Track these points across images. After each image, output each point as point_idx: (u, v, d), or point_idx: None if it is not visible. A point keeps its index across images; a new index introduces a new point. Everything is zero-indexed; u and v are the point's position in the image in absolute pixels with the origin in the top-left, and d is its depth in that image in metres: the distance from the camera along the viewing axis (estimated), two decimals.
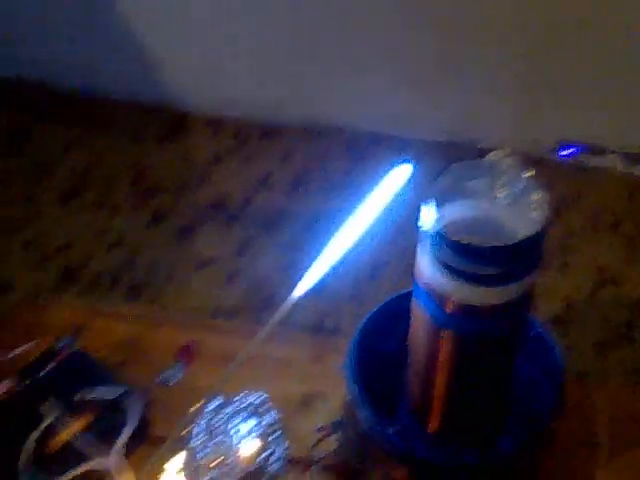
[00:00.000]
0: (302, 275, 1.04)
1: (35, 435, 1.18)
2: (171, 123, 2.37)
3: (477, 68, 2.24)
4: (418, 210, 1.02)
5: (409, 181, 1.03)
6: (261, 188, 2.23)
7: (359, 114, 2.34)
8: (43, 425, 1.18)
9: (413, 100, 2.29)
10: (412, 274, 1.07)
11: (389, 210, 1.04)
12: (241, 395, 1.20)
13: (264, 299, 1.99)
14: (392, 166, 1.03)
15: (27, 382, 1.24)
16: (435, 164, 2.20)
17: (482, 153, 1.03)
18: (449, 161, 1.03)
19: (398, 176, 1.04)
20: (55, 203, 2.21)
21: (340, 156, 2.30)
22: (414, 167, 1.02)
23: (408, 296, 1.16)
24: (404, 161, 1.02)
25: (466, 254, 0.95)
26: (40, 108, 2.42)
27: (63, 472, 1.16)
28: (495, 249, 0.95)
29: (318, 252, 1.05)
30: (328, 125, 2.35)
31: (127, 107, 2.41)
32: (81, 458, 1.18)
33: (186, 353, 1.35)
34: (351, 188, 2.20)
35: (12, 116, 2.39)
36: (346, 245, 1.05)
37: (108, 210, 2.19)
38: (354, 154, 2.30)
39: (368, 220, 1.05)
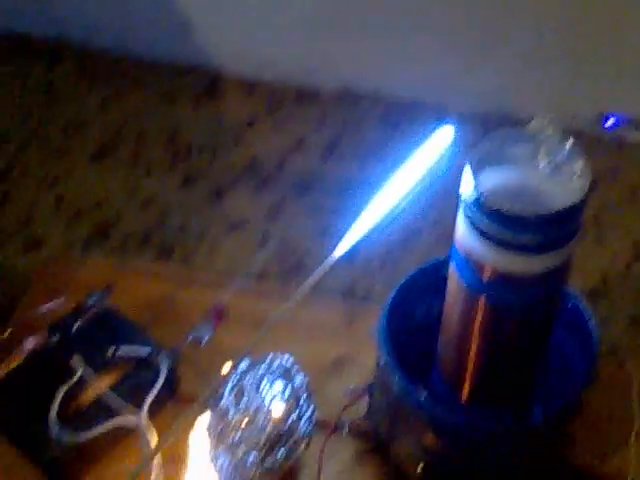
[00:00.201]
0: (334, 239, 1.03)
1: (64, 390, 1.18)
2: (205, 85, 2.36)
3: (518, 37, 2.21)
4: (454, 178, 1.01)
5: (450, 146, 1.02)
6: (295, 152, 2.22)
7: (396, 80, 2.32)
8: (72, 380, 1.19)
9: (452, 68, 2.27)
10: (448, 242, 1.06)
11: (425, 178, 1.03)
12: (271, 357, 1.19)
13: (295, 262, 1.99)
14: (434, 129, 1.01)
15: (57, 337, 1.24)
16: (472, 134, 2.20)
17: (521, 124, 1.02)
18: (486, 131, 1.02)
19: (440, 139, 1.03)
20: (88, 161, 2.21)
21: (376, 122, 2.28)
22: (455, 130, 1.01)
23: (442, 264, 1.16)
24: (446, 123, 1.01)
25: (506, 222, 0.94)
26: (76, 67, 2.42)
27: (91, 428, 1.17)
28: (536, 217, 0.94)
29: (352, 217, 1.04)
30: (364, 91, 2.33)
31: (161, 68, 2.41)
32: (109, 414, 1.18)
33: (216, 313, 1.35)
34: (386, 154, 2.19)
35: (47, 74, 2.39)
36: (381, 212, 1.03)
37: (141, 170, 2.19)
38: (390, 120, 2.28)
39: (406, 186, 1.03)
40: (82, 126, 2.29)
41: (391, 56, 2.29)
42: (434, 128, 1.03)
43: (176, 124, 2.28)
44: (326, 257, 1.00)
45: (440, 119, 2.30)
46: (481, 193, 0.95)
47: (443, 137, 1.02)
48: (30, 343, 1.23)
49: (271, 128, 2.27)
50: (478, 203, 0.96)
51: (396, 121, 2.28)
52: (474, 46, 2.24)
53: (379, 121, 2.29)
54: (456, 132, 1.02)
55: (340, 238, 1.02)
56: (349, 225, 1.02)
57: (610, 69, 2.19)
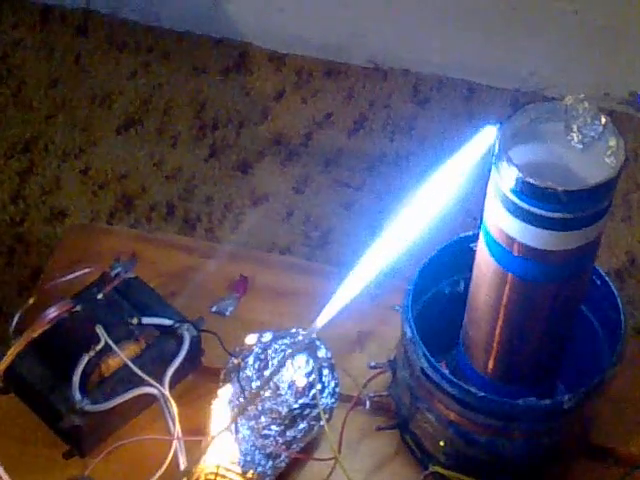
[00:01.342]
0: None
1: (87, 358, 1.17)
2: (234, 57, 2.36)
3: (553, 15, 2.19)
4: (485, 153, 1.00)
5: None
6: (322, 126, 2.21)
7: (426, 56, 2.31)
8: (95, 349, 1.18)
9: (482, 45, 2.25)
10: (475, 219, 1.05)
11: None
12: (295, 329, 1.19)
13: (320, 237, 1.98)
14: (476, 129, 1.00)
15: (81, 306, 1.24)
16: (501, 111, 2.18)
17: (553, 101, 1.00)
18: (516, 109, 1.01)
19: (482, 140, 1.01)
20: (114, 131, 2.21)
21: (405, 98, 2.27)
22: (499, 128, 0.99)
23: (467, 239, 1.15)
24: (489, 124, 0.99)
25: (537, 197, 0.93)
26: (104, 38, 2.41)
27: (112, 397, 1.17)
28: (566, 193, 0.92)
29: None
30: (393, 66, 2.32)
31: (190, 40, 2.40)
32: (131, 384, 1.18)
33: (241, 285, 1.34)
34: (415, 131, 2.17)
35: (75, 45, 2.39)
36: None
37: (167, 141, 2.19)
38: (419, 96, 2.27)
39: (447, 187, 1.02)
40: (109, 97, 2.28)
41: (421, 31, 2.27)
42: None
43: (204, 96, 2.28)
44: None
45: (468, 96, 2.30)
46: (512, 167, 0.94)
47: (484, 139, 1.00)
48: (53, 312, 1.23)
49: (299, 102, 2.26)
50: (508, 178, 0.95)
51: (425, 97, 2.26)
52: (507, 23, 2.22)
53: (408, 97, 2.27)
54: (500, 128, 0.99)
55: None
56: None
57: None
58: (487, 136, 0.98)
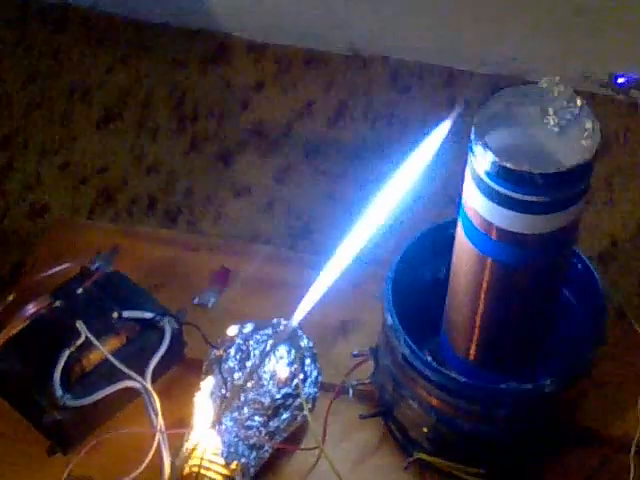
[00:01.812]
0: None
1: (67, 353, 1.17)
2: (213, 48, 2.34)
3: None
4: (461, 139, 0.99)
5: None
6: (303, 115, 2.20)
7: (405, 43, 2.30)
8: (76, 344, 1.18)
9: (462, 31, 2.24)
10: (454, 206, 1.05)
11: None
12: (276, 320, 1.19)
13: (302, 227, 1.98)
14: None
15: (61, 301, 1.23)
16: (481, 96, 2.18)
17: (530, 84, 1.00)
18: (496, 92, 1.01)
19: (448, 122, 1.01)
20: (93, 125, 2.20)
21: (385, 85, 2.26)
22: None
23: (447, 226, 1.15)
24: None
25: (513, 180, 0.93)
26: (81, 32, 2.40)
27: (94, 391, 1.16)
28: (543, 176, 0.92)
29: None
30: (373, 54, 2.31)
31: (168, 32, 2.38)
32: (113, 378, 1.18)
33: (222, 276, 1.34)
34: (396, 118, 2.17)
35: (54, 38, 2.37)
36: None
37: (147, 134, 2.17)
38: (400, 83, 2.26)
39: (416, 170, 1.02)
40: (88, 91, 2.27)
41: (400, 18, 2.27)
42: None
43: (183, 88, 2.27)
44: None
45: (448, 81, 2.30)
46: (488, 151, 0.94)
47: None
48: (33, 307, 1.22)
49: (279, 92, 2.26)
50: (485, 162, 0.94)
51: (405, 84, 2.26)
52: (486, 8, 2.22)
53: (388, 84, 2.27)
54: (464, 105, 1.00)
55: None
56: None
57: (620, 29, 2.16)
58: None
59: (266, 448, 1.13)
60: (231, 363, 1.14)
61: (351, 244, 1.04)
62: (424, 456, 1.15)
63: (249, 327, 1.18)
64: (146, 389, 1.19)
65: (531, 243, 0.98)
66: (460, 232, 1.04)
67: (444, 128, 1.00)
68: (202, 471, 1.10)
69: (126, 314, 1.22)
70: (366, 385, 1.21)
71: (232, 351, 1.15)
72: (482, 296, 1.05)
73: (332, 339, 1.27)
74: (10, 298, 1.26)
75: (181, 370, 1.25)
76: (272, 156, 2.12)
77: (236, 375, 1.14)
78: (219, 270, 1.35)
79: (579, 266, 1.16)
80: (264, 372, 1.13)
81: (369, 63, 2.30)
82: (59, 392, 1.14)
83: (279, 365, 1.14)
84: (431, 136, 1.00)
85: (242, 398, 1.12)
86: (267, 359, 1.14)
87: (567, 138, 0.96)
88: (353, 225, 1.05)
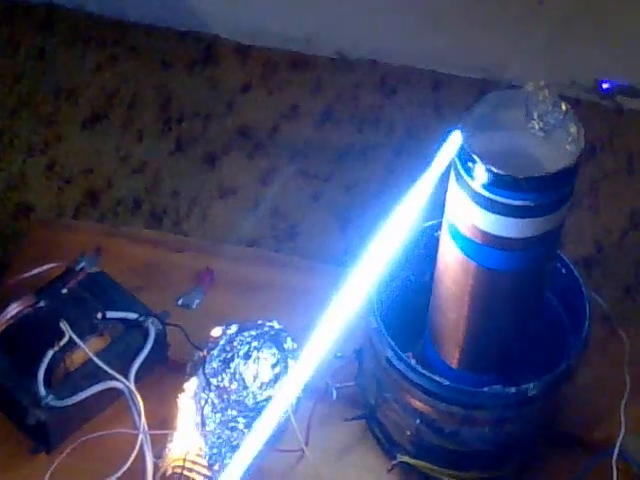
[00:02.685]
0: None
1: (51, 354, 1.17)
2: (200, 50, 2.34)
3: (515, 2, 2.20)
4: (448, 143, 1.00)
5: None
6: (289, 118, 2.20)
7: (392, 46, 2.31)
8: (60, 344, 1.18)
9: (448, 35, 2.25)
10: (440, 209, 1.05)
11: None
12: (260, 321, 1.18)
13: (287, 229, 1.98)
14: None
15: (45, 301, 1.23)
16: (467, 100, 2.18)
17: (515, 88, 1.01)
18: (481, 96, 1.01)
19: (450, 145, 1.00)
20: (79, 127, 2.19)
21: (371, 89, 2.26)
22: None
23: (432, 229, 1.15)
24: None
25: (498, 184, 0.94)
26: (68, 32, 2.40)
27: (79, 390, 1.16)
28: (528, 180, 0.93)
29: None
30: (360, 57, 2.31)
31: (156, 33, 2.38)
32: (97, 379, 1.18)
33: (207, 277, 1.34)
34: (382, 121, 2.17)
35: (40, 38, 2.37)
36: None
37: (133, 135, 2.17)
38: (386, 87, 2.26)
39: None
40: (74, 92, 2.26)
41: (387, 22, 2.27)
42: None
43: (169, 90, 2.26)
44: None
45: (434, 86, 2.30)
46: (473, 156, 0.94)
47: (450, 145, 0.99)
48: (17, 307, 1.22)
49: (265, 94, 2.26)
50: (470, 166, 0.95)
51: (392, 88, 2.26)
52: (473, 13, 2.22)
53: (374, 88, 2.27)
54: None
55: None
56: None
57: (606, 35, 2.17)
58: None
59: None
60: (215, 364, 1.14)
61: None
62: (407, 459, 1.15)
63: (233, 328, 1.18)
64: (129, 390, 1.18)
65: (515, 247, 0.98)
66: (445, 236, 1.04)
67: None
68: (185, 472, 1.10)
69: (110, 314, 1.22)
70: (350, 387, 1.21)
71: (216, 352, 1.15)
72: (466, 299, 1.05)
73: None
74: None
75: (165, 371, 1.24)
76: (258, 158, 2.12)
77: (220, 377, 1.13)
78: (204, 271, 1.35)
79: (563, 271, 1.17)
80: (248, 373, 1.13)
81: (356, 67, 2.30)
82: (42, 392, 1.14)
83: (263, 366, 1.14)
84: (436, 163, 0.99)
85: (226, 400, 1.12)
86: (251, 360, 1.14)
87: (552, 143, 0.96)
88: (339, 228, 1.04)
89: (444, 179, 1.01)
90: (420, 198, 0.98)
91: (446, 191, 1.02)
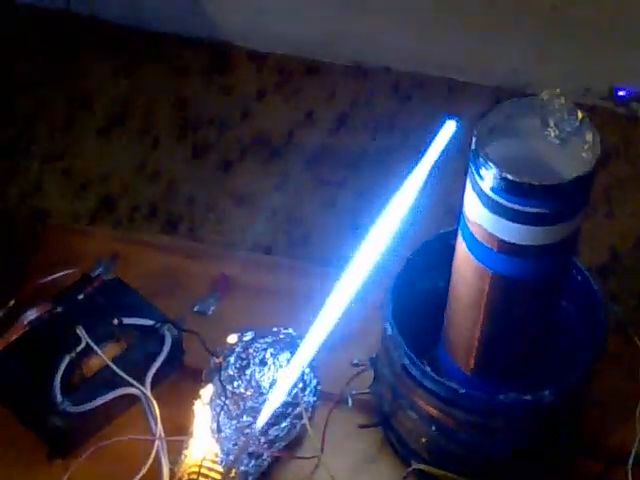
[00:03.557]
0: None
1: (68, 360, 1.17)
2: (215, 58, 2.35)
3: (531, 10, 2.19)
4: (463, 150, 1.00)
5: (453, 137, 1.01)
6: (304, 125, 2.21)
7: (407, 54, 2.31)
8: (76, 350, 1.18)
9: (462, 42, 2.25)
10: (455, 216, 1.05)
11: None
12: (275, 329, 1.19)
13: (302, 236, 1.98)
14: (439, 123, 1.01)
15: (62, 307, 1.24)
16: (482, 108, 2.18)
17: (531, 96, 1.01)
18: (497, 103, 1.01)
19: (444, 134, 1.02)
20: (95, 133, 2.20)
21: (386, 96, 2.26)
22: (458, 123, 1.00)
23: (448, 236, 1.15)
24: (449, 118, 1.00)
25: (514, 192, 0.93)
26: (85, 38, 2.41)
27: (95, 396, 1.16)
28: (545, 187, 0.93)
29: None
30: (375, 64, 2.32)
31: (171, 40, 2.39)
32: (113, 385, 1.18)
33: (223, 284, 1.34)
34: (397, 128, 2.17)
35: (57, 46, 2.38)
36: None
37: (149, 142, 2.18)
38: (400, 94, 2.27)
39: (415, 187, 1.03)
40: (90, 99, 2.28)
41: (402, 29, 2.28)
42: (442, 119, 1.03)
43: (185, 96, 2.27)
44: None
45: (449, 93, 2.30)
46: (489, 163, 0.94)
47: (446, 132, 1.01)
48: (33, 313, 1.23)
49: (280, 101, 2.26)
50: (486, 173, 0.95)
51: (406, 94, 2.26)
52: (487, 20, 2.22)
53: (389, 94, 2.27)
54: (458, 122, 1.01)
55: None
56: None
57: (621, 42, 2.17)
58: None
59: (265, 456, 1.13)
60: (231, 371, 1.15)
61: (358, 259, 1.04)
62: (423, 467, 1.15)
63: (249, 335, 1.18)
64: (145, 396, 1.19)
65: (531, 254, 0.98)
66: (461, 244, 1.04)
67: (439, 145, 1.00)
68: (200, 478, 1.11)
69: (126, 321, 1.23)
70: (365, 395, 1.21)
71: (232, 359, 1.16)
72: (482, 307, 1.05)
73: (332, 348, 1.27)
74: (11, 304, 1.26)
75: (180, 377, 1.25)
76: (273, 165, 2.13)
77: (235, 383, 1.14)
78: (219, 278, 1.35)
79: (579, 278, 1.16)
80: (264, 380, 1.14)
81: (370, 74, 2.30)
82: (59, 398, 1.14)
83: (279, 373, 1.14)
84: (431, 150, 1.01)
85: (241, 406, 1.12)
86: (267, 367, 1.14)
87: (567, 150, 0.96)
88: (353, 235, 1.05)
89: (459, 186, 1.02)
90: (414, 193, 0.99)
91: (462, 198, 1.02)
